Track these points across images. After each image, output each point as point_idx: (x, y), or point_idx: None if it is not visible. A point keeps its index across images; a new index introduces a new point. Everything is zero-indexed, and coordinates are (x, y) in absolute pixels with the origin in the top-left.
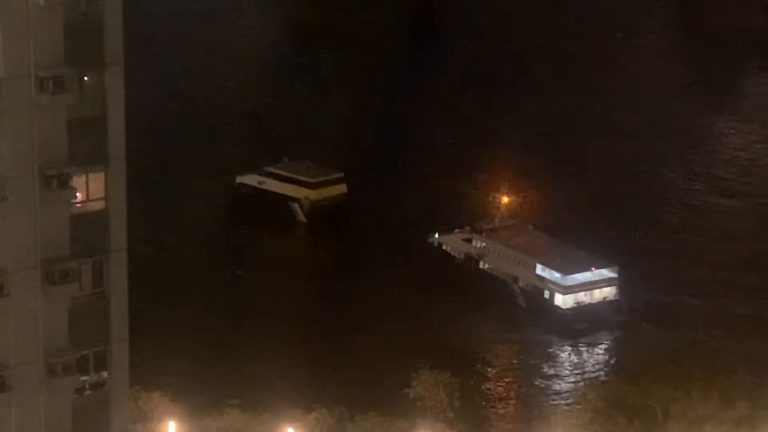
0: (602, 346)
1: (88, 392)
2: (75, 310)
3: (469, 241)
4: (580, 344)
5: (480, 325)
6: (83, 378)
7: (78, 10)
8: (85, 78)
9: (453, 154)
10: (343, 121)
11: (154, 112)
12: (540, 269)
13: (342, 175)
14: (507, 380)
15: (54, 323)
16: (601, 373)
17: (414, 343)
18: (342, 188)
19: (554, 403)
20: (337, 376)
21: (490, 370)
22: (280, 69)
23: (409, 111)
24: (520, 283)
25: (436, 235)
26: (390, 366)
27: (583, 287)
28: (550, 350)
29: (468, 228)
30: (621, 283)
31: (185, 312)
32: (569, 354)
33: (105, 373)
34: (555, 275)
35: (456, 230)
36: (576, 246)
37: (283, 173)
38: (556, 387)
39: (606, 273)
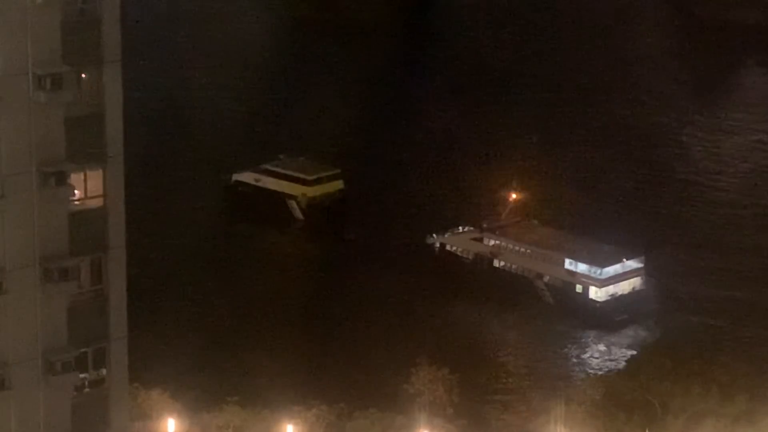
0: (631, 337)
1: (87, 390)
2: (74, 308)
3: (477, 239)
4: (606, 336)
5: (494, 321)
6: (82, 375)
7: (75, 8)
8: (83, 75)
9: (453, 150)
10: (340, 117)
11: (152, 110)
12: (569, 263)
13: (339, 171)
14: (510, 377)
15: (53, 321)
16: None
17: (414, 339)
18: (339, 185)
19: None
20: (337, 372)
21: (492, 365)
22: (277, 66)
23: (408, 107)
24: (545, 279)
25: (434, 235)
26: (389, 363)
27: (616, 279)
28: (562, 344)
29: (468, 227)
30: (647, 273)
31: (183, 309)
32: (580, 347)
33: (104, 371)
34: (588, 269)
35: (451, 229)
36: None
37: (280, 170)
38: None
39: (632, 264)
